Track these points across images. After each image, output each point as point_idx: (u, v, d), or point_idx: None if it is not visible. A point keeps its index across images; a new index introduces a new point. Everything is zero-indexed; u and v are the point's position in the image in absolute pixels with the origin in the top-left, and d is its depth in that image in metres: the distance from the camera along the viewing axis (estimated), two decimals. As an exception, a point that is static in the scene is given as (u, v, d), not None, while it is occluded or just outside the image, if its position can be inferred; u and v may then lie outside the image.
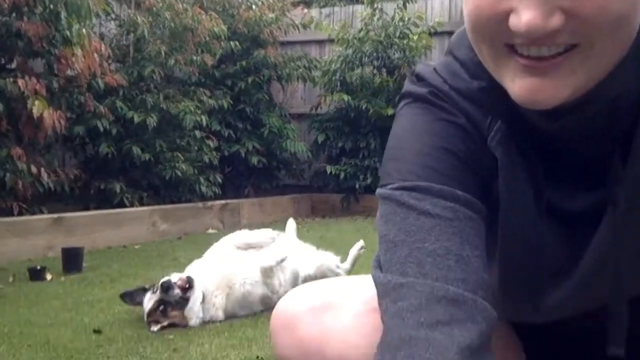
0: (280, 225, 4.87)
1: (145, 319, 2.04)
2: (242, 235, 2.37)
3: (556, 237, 0.66)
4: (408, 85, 0.72)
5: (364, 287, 0.78)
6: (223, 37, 5.13)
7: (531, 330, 0.79)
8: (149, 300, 2.04)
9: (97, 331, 1.94)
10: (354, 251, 2.64)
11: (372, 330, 0.70)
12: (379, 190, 0.69)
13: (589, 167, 0.64)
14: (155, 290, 2.05)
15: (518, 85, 0.58)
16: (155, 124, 4.39)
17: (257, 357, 1.67)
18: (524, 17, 0.53)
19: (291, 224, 2.78)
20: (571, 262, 0.66)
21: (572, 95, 0.57)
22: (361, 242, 2.67)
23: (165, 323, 2.03)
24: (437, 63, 0.71)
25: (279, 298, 2.46)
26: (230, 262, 2.24)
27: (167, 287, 2.00)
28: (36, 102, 3.32)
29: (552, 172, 0.65)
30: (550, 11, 0.53)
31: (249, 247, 2.30)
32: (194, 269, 2.20)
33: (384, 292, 0.64)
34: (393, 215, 0.65)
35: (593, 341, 0.68)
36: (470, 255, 0.62)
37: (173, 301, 2.02)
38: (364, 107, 5.53)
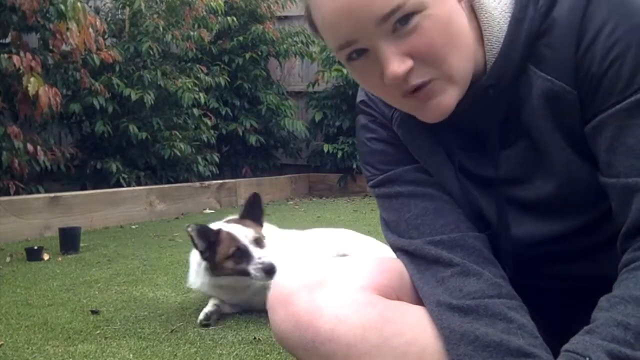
0: (277, 205, 4.87)
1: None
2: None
3: (472, 194, 0.88)
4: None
5: (358, 267, 0.89)
6: (220, 12, 5.06)
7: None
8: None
9: (95, 312, 1.95)
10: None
11: (362, 306, 0.82)
12: (368, 187, 0.96)
13: (482, 140, 0.85)
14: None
15: (421, 115, 0.79)
16: (152, 102, 4.34)
17: (254, 338, 1.68)
18: (387, 72, 0.72)
19: None
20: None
21: (456, 100, 0.77)
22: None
23: None
24: None
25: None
26: None
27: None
28: (31, 80, 3.28)
29: (462, 144, 0.86)
30: (402, 59, 0.71)
31: None
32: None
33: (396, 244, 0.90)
34: (382, 203, 0.93)
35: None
36: (442, 203, 0.87)
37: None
38: (362, 85, 5.49)
